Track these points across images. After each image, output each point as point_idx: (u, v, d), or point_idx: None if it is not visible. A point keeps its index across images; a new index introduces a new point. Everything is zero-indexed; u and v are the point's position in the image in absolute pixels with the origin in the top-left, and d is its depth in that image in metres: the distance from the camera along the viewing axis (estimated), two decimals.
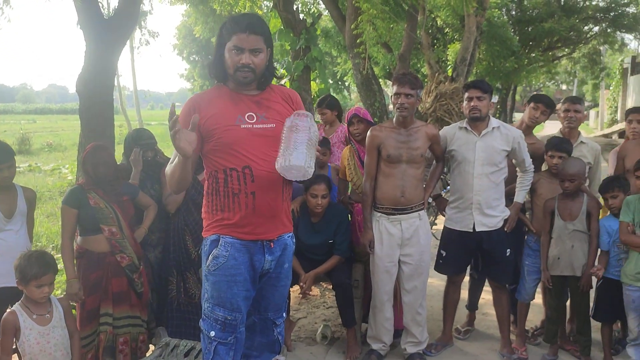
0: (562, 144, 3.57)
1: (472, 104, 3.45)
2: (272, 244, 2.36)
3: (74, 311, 3.41)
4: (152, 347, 3.48)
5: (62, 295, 3.17)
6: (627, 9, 18.85)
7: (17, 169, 3.20)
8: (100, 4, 5.01)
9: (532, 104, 3.85)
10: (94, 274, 3.17)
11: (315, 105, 5.17)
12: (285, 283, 2.51)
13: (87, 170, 3.21)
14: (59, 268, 2.88)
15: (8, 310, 2.76)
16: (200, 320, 2.41)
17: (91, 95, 4.86)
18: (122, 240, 3.20)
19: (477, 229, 3.50)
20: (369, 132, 3.46)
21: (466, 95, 3.52)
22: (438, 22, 15.46)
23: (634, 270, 3.23)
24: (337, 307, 3.77)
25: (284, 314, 2.58)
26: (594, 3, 19.96)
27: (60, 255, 3.34)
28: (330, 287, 4.39)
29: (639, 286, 3.20)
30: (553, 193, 3.53)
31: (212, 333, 2.33)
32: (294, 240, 2.53)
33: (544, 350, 3.70)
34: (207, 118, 2.26)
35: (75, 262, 3.24)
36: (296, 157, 2.15)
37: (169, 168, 2.30)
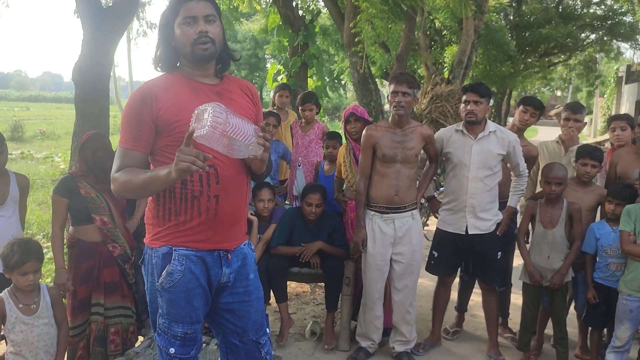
0: (596, 152, 3.54)
1: (469, 107, 3.46)
2: (229, 255, 2.12)
3: (64, 300, 3.40)
4: (141, 338, 3.48)
5: (52, 284, 3.16)
6: (624, 18, 18.94)
7: (10, 156, 3.17)
8: None
9: (521, 107, 3.89)
10: (85, 264, 3.17)
11: (297, 102, 5.16)
12: (257, 296, 2.25)
13: (86, 155, 3.19)
14: (51, 257, 2.87)
15: None
16: (155, 334, 2.16)
17: (87, 84, 4.84)
18: (114, 230, 3.19)
19: (470, 232, 3.52)
20: (364, 132, 3.47)
21: (464, 98, 3.52)
22: (436, 24, 15.45)
23: (635, 280, 3.19)
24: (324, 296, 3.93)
25: (268, 329, 2.32)
26: (591, 11, 20.05)
27: (50, 243, 3.33)
28: (321, 284, 4.44)
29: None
30: (579, 202, 3.52)
31: (172, 350, 2.10)
32: (252, 247, 2.32)
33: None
34: (165, 109, 1.96)
35: (66, 251, 3.22)
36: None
37: (138, 179, 1.92)
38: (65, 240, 3.33)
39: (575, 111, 3.87)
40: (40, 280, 2.81)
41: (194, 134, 1.78)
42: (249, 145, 1.86)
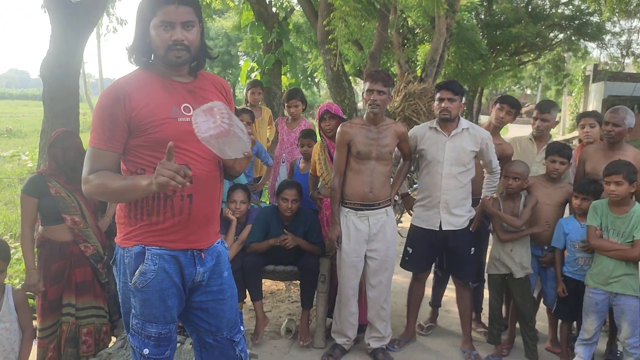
0: (565, 149, 3.60)
1: (443, 105, 3.48)
2: (202, 254, 2.10)
3: (31, 301, 3.33)
4: (114, 338, 3.42)
5: (19, 286, 3.08)
6: (591, 18, 19.38)
7: None
8: None
9: (498, 105, 3.93)
10: (56, 264, 3.10)
11: (283, 99, 5.13)
12: (231, 294, 2.23)
13: (56, 153, 3.12)
14: (19, 257, 2.80)
15: None
16: (128, 335, 2.11)
17: (56, 80, 4.74)
18: (86, 230, 3.13)
19: (444, 228, 3.55)
20: (339, 129, 3.47)
21: (437, 95, 3.55)
22: (409, 23, 15.54)
23: (601, 274, 3.26)
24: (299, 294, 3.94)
25: (242, 327, 2.31)
26: (559, 11, 20.46)
27: (18, 244, 3.24)
28: (295, 282, 4.43)
29: (605, 290, 3.25)
30: (548, 198, 3.60)
31: (146, 351, 2.06)
32: (226, 245, 2.30)
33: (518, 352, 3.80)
34: (139, 109, 1.92)
35: (36, 251, 3.15)
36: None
37: (115, 184, 1.89)
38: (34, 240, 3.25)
39: (543, 110, 3.90)
40: (5, 281, 2.74)
41: (205, 134, 1.77)
42: (247, 143, 1.87)
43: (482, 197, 3.72)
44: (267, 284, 4.88)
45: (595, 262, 3.34)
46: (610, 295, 3.25)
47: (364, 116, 3.46)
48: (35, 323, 3.13)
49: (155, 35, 1.94)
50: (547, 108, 3.93)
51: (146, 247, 2.01)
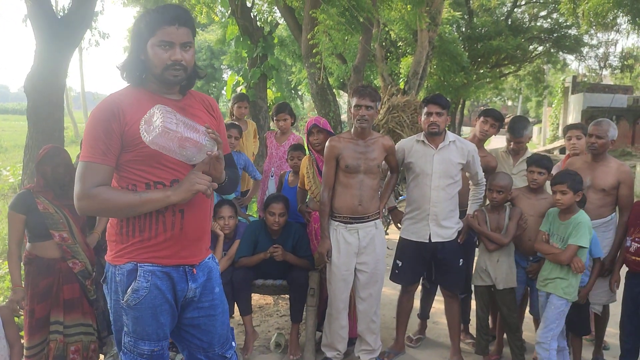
0: (543, 160, 3.63)
1: (431, 119, 3.52)
2: (194, 269, 2.11)
3: (17, 319, 3.27)
4: (102, 356, 3.38)
5: (4, 304, 3.04)
6: (569, 31, 19.82)
7: None
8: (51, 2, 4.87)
9: (482, 118, 3.99)
10: (44, 281, 3.07)
11: (272, 112, 5.15)
12: (222, 309, 2.24)
13: (45, 170, 3.09)
14: (2, 275, 2.77)
15: None
16: (120, 353, 2.12)
17: (41, 95, 4.72)
18: (74, 246, 3.10)
19: (433, 240, 3.58)
20: (327, 143, 3.50)
21: (425, 110, 3.58)
22: (392, 36, 15.71)
23: (541, 275, 3.40)
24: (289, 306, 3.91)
25: (233, 342, 2.33)
26: (538, 24, 20.88)
27: (1, 260, 3.20)
28: (284, 296, 4.42)
29: (543, 290, 3.37)
30: (531, 208, 3.63)
31: None
32: (216, 260, 2.32)
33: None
34: (132, 124, 1.94)
35: (23, 268, 3.11)
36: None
37: (125, 199, 1.93)
38: (22, 257, 3.21)
39: (516, 135, 3.95)
40: None
41: (148, 139, 1.81)
42: (204, 142, 1.90)
43: (468, 209, 3.76)
44: (255, 298, 4.86)
45: (543, 265, 3.45)
46: (547, 296, 3.35)
47: (352, 130, 3.49)
48: (22, 341, 3.09)
49: (154, 55, 1.97)
50: (519, 132, 3.95)
51: (138, 264, 2.01)
